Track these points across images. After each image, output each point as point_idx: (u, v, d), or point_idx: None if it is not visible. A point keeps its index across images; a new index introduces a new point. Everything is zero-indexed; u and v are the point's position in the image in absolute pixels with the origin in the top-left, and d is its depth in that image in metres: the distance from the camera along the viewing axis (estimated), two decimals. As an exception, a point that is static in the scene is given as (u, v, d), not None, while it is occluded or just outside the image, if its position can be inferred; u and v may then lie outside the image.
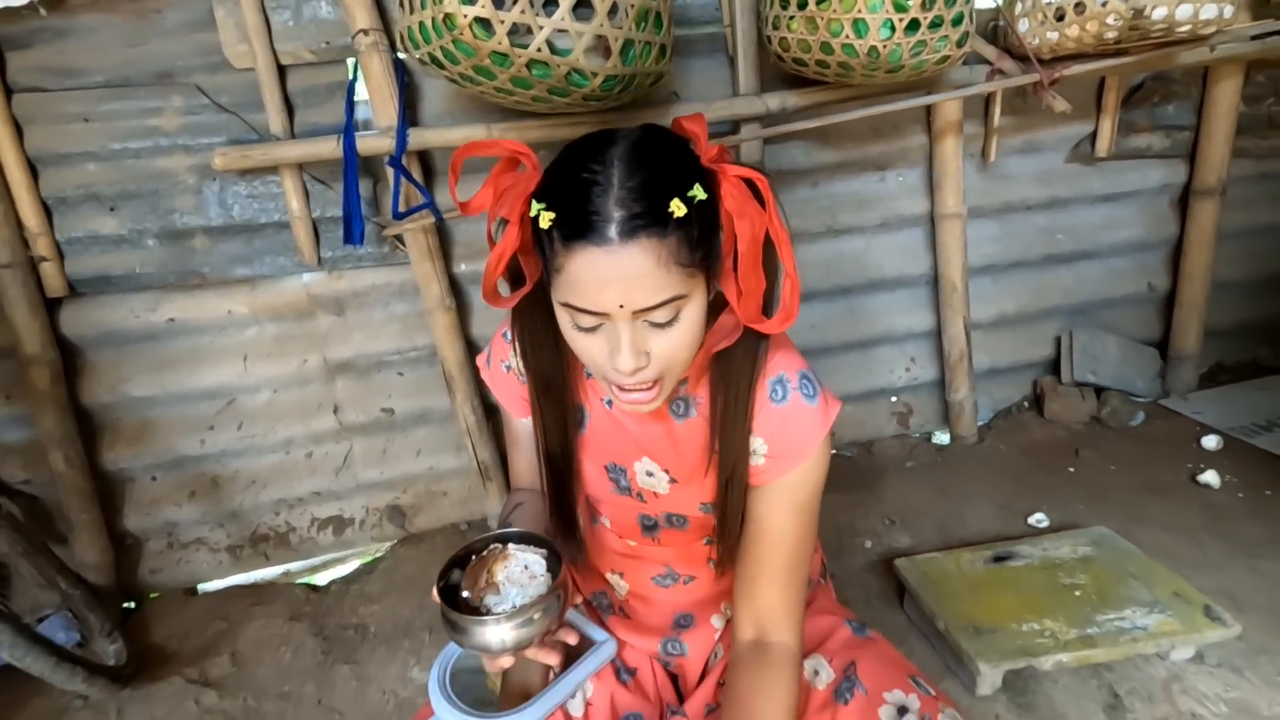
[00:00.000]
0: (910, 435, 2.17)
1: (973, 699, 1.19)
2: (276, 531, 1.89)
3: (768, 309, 0.73)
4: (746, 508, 0.84)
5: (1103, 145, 1.98)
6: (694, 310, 0.70)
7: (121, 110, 1.56)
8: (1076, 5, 1.52)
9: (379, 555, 1.90)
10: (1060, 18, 1.55)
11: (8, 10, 1.40)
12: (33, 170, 1.55)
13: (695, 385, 0.85)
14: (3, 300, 1.55)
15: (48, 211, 1.58)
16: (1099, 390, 2.13)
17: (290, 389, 1.80)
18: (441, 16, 1.18)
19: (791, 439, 0.80)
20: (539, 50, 1.20)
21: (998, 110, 1.86)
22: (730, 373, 0.79)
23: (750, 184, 0.69)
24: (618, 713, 0.93)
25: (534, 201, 0.68)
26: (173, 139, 1.58)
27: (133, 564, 1.80)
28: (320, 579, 1.87)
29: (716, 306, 0.75)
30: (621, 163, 0.66)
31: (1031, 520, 1.65)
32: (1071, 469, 1.88)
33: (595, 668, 0.92)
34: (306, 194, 1.63)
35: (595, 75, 1.25)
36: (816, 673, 0.87)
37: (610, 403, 0.89)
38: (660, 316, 0.68)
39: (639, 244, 0.64)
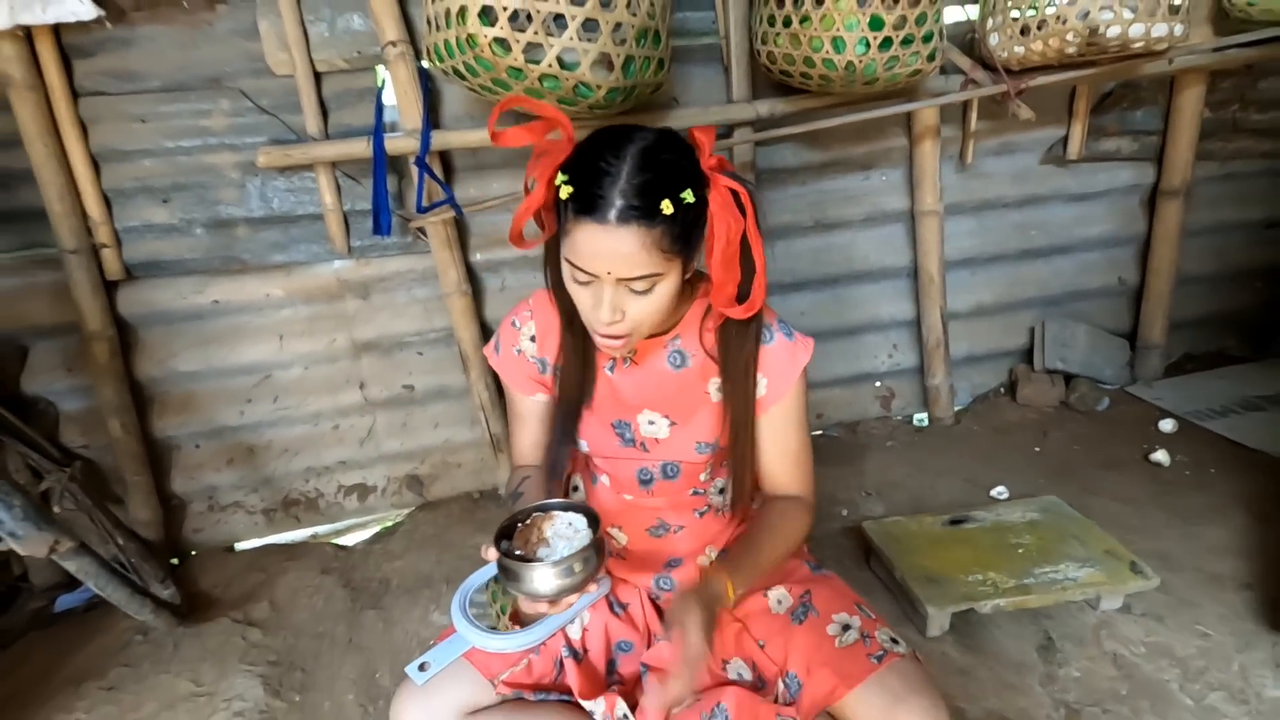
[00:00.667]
0: (892, 417, 2.33)
1: (925, 640, 1.35)
2: (306, 497, 2.07)
3: (742, 297, 0.89)
4: (762, 433, 1.03)
5: (1074, 148, 2.12)
6: (667, 285, 0.87)
7: (175, 112, 1.73)
8: (1040, 23, 1.66)
9: (399, 520, 2.08)
10: (1025, 33, 1.70)
11: (77, 23, 1.57)
12: (95, 165, 1.73)
13: (689, 338, 1.01)
14: (69, 282, 1.73)
15: (108, 203, 1.75)
16: (1069, 377, 2.28)
17: (320, 366, 1.98)
18: (465, 36, 1.34)
19: (783, 369, 1.00)
20: (550, 66, 1.36)
21: (974, 115, 2.01)
22: (734, 338, 0.97)
23: (735, 195, 0.85)
24: (610, 639, 1.10)
25: (560, 173, 0.84)
26: (220, 138, 1.75)
27: (178, 523, 1.99)
28: (345, 541, 2.05)
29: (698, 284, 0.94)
30: (632, 160, 0.81)
31: (994, 492, 1.81)
32: (1038, 448, 2.04)
33: (591, 601, 1.08)
34: (338, 189, 1.80)
35: (600, 87, 1.42)
36: (779, 601, 1.04)
37: (613, 367, 1.06)
38: (638, 285, 0.85)
39: (630, 229, 0.80)
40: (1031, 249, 2.25)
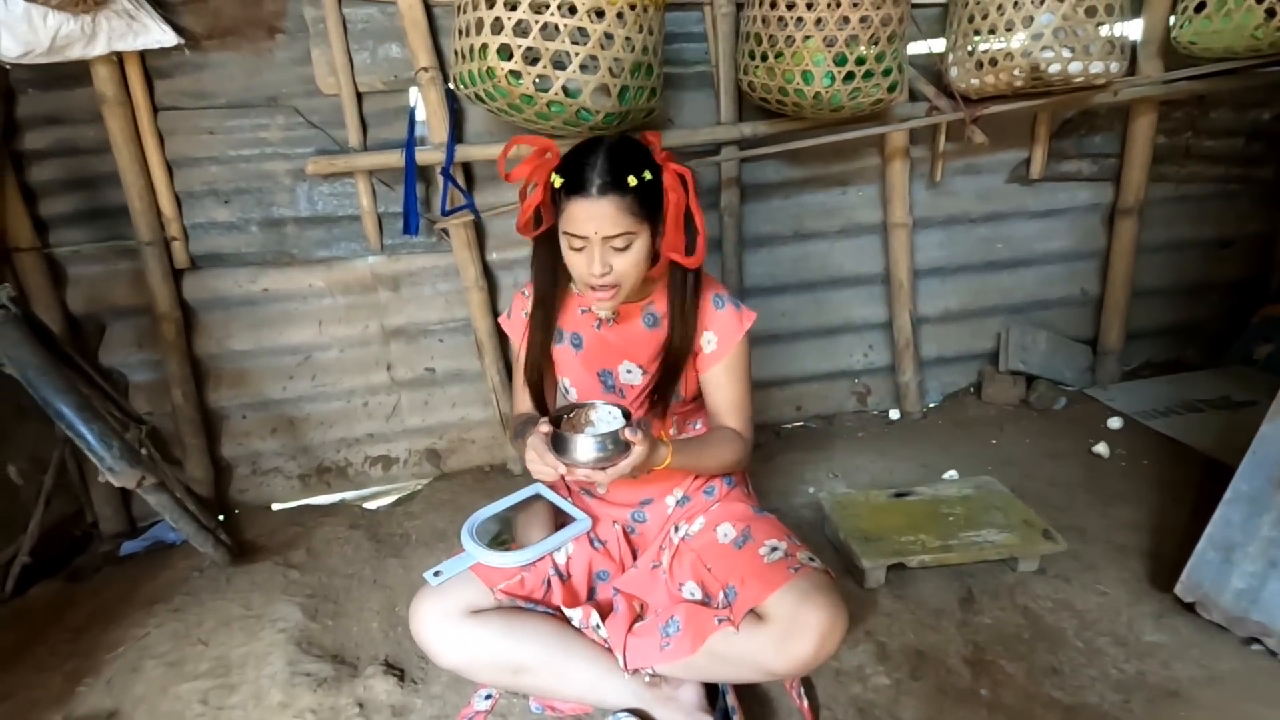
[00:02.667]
0: (868, 412, 2.55)
1: (863, 590, 1.57)
2: (337, 465, 2.34)
3: (689, 250, 1.19)
4: (710, 384, 1.31)
5: (1036, 169, 2.33)
6: (641, 245, 1.17)
7: (238, 126, 2.01)
8: (991, 59, 1.89)
9: (417, 489, 2.34)
10: (981, 66, 1.92)
11: (159, 49, 1.85)
12: (169, 170, 2.01)
13: (660, 304, 1.30)
14: (144, 270, 2.02)
15: (179, 202, 2.04)
16: (1031, 378, 2.48)
17: (354, 349, 2.25)
18: (485, 68, 1.60)
19: (729, 330, 1.29)
20: (556, 94, 1.62)
21: (942, 138, 2.23)
22: (679, 288, 1.25)
23: (681, 177, 1.16)
24: (592, 568, 1.34)
25: (554, 175, 1.15)
26: (275, 148, 2.03)
27: (225, 484, 2.27)
28: (370, 505, 2.31)
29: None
30: (603, 154, 1.14)
31: (945, 476, 2.03)
32: (994, 440, 2.25)
33: (573, 535, 1.34)
34: (374, 194, 2.07)
35: (599, 112, 1.67)
36: (725, 534, 1.29)
37: (600, 325, 1.33)
38: (619, 243, 1.14)
39: (608, 199, 1.11)
40: (997, 260, 2.46)
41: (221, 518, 2.21)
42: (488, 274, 2.20)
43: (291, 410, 2.27)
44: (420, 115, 2.00)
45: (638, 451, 1.09)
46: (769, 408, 2.47)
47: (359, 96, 2.00)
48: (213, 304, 2.15)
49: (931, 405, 2.54)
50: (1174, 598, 1.43)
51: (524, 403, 1.42)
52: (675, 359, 1.28)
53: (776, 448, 2.33)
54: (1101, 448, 2.08)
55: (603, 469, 1.10)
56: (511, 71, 1.59)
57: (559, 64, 1.60)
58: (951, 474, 2.02)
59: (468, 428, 2.36)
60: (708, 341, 1.29)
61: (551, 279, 1.30)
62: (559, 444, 1.11)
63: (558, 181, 1.13)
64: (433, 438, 2.36)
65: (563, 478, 1.19)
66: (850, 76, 1.77)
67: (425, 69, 1.93)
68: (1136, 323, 2.53)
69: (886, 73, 1.80)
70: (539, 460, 1.13)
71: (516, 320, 1.40)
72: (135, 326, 2.12)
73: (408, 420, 2.33)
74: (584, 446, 1.09)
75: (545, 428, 1.12)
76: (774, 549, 1.21)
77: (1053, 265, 2.50)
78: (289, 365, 2.23)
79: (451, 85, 1.93)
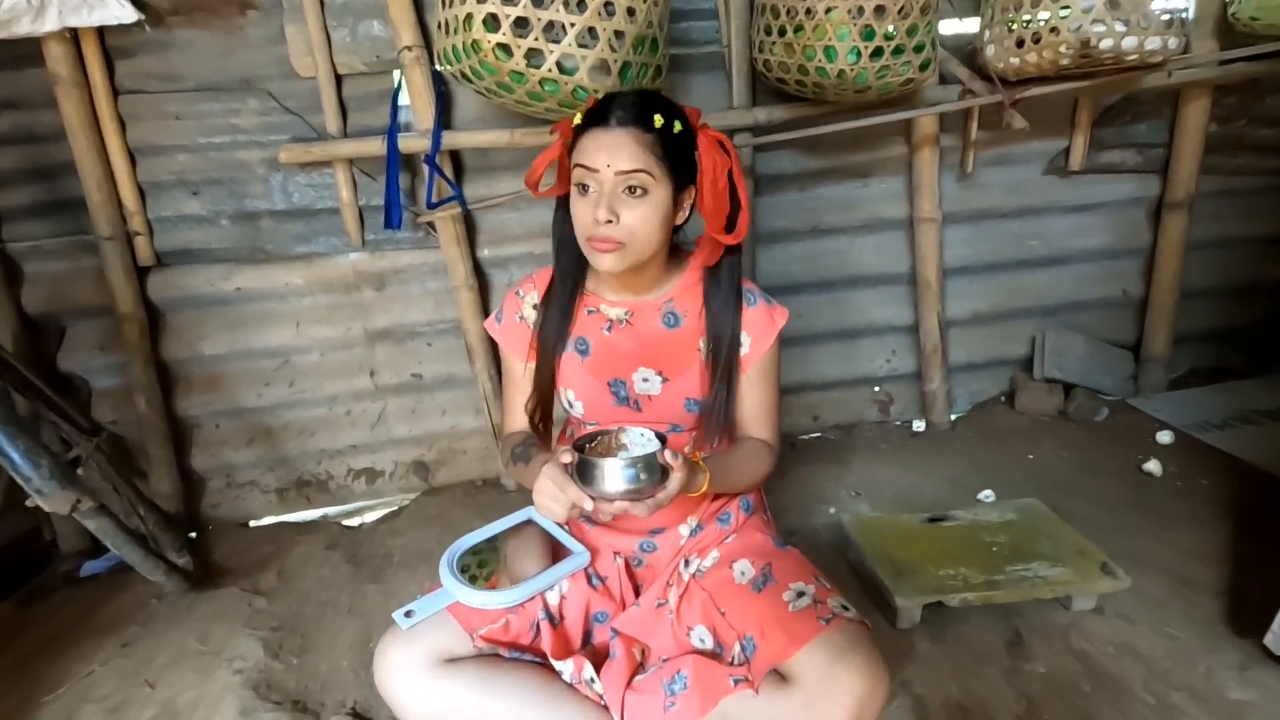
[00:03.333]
0: (890, 422, 2.36)
1: (896, 631, 1.39)
2: (318, 478, 2.17)
3: (730, 227, 1.06)
4: (740, 387, 1.14)
5: (1075, 160, 2.14)
6: (658, 196, 1.02)
7: (208, 110, 1.85)
8: (1035, 35, 1.70)
9: (404, 504, 2.17)
10: (1021, 44, 1.73)
11: (118, 26, 1.69)
12: (132, 159, 1.85)
13: (681, 301, 1.14)
14: (104, 267, 1.86)
15: (143, 194, 1.88)
16: (1068, 387, 2.29)
17: (336, 352, 2.08)
18: (470, 41, 1.43)
19: (762, 329, 1.14)
20: (549, 71, 1.44)
21: (974, 125, 2.04)
22: (720, 281, 1.12)
23: (721, 143, 1.04)
24: (589, 610, 1.17)
25: (576, 116, 1.05)
26: (248, 135, 1.87)
27: (197, 498, 2.10)
28: (352, 522, 2.15)
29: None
30: (633, 93, 1.05)
31: (980, 496, 1.84)
32: (1030, 456, 2.06)
33: (570, 571, 1.16)
34: (355, 185, 1.90)
35: (597, 92, 1.49)
36: (742, 573, 1.11)
37: (610, 327, 1.15)
38: (632, 182, 0.99)
39: (627, 130, 1.00)
40: (1030, 259, 2.27)
41: (194, 535, 2.06)
42: (479, 272, 2.03)
43: (268, 419, 2.11)
44: (404, 99, 1.83)
45: (677, 479, 0.93)
46: (784, 417, 2.23)
47: (338, 79, 1.84)
48: (181, 304, 1.99)
49: (959, 415, 2.35)
50: (1261, 648, 1.24)
51: (518, 418, 1.24)
52: (731, 366, 1.12)
53: (792, 460, 2.15)
54: (1153, 465, 1.89)
55: (639, 499, 0.93)
56: (499, 45, 1.42)
57: (553, 36, 1.43)
58: (987, 494, 1.84)
59: (458, 438, 2.19)
60: (742, 343, 1.14)
61: (574, 254, 1.12)
62: (585, 472, 0.94)
63: (578, 119, 1.04)
64: (421, 448, 2.19)
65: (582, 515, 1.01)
66: (878, 53, 1.59)
67: (409, 48, 1.76)
68: (1180, 327, 2.33)
69: (918, 49, 1.62)
70: (558, 493, 0.94)
71: (509, 326, 1.22)
72: (98, 328, 1.96)
73: (394, 430, 2.16)
74: (616, 474, 0.92)
75: (568, 456, 0.96)
76: (800, 594, 1.03)
77: (1091, 264, 2.31)
78: (265, 370, 2.07)
79: (436, 64, 1.76)
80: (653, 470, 0.93)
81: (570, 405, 1.21)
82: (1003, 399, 2.38)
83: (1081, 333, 2.33)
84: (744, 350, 1.14)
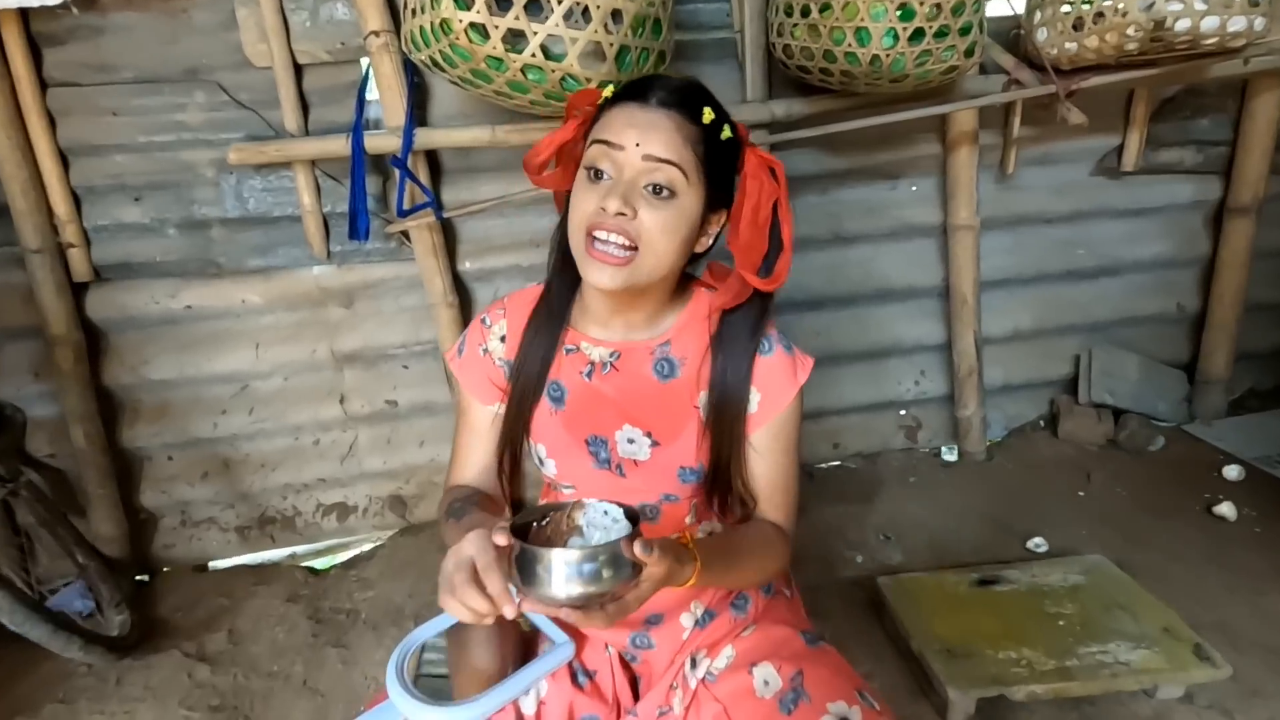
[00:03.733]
0: (918, 449, 2.13)
1: (944, 723, 1.17)
2: (283, 515, 1.95)
3: (767, 272, 0.84)
4: (750, 454, 0.92)
5: (1129, 159, 1.91)
6: (686, 204, 0.80)
7: (150, 105, 1.63)
8: (1096, 15, 1.47)
9: (379, 543, 1.95)
10: (1079, 27, 1.50)
11: (43, 9, 1.47)
12: (64, 160, 1.63)
13: (680, 344, 0.90)
14: (32, 283, 1.64)
15: (77, 200, 1.66)
16: (1118, 412, 2.06)
17: (301, 376, 1.86)
18: (439, 21, 1.21)
19: (779, 384, 0.90)
20: (533, 56, 1.22)
21: (1017, 121, 1.81)
22: (736, 336, 0.89)
23: (772, 169, 0.84)
24: (574, 715, 0.94)
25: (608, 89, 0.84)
26: (195, 133, 1.65)
27: (147, 538, 1.88)
28: (322, 563, 1.93)
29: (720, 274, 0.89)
30: (680, 80, 0.83)
31: (1030, 544, 1.61)
32: (1081, 493, 1.83)
33: (550, 668, 0.93)
34: (319, 189, 1.68)
35: (590, 81, 1.27)
36: (766, 683, 0.87)
37: (591, 372, 0.91)
38: (660, 175, 0.78)
39: (668, 113, 0.79)
40: (1076, 269, 2.04)
41: (147, 577, 1.85)
42: (460, 287, 1.80)
43: (226, 450, 1.89)
44: (372, 92, 1.61)
45: (651, 577, 0.69)
46: (800, 444, 2.05)
47: (297, 68, 1.62)
48: (124, 324, 1.77)
49: (994, 440, 2.12)
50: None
51: (468, 469, 0.98)
52: (732, 432, 0.90)
53: (811, 494, 1.92)
54: (1226, 508, 1.66)
55: (596, 604, 0.68)
56: (473, 25, 1.19)
57: (537, 14, 1.20)
58: (1038, 542, 1.61)
59: (438, 470, 1.97)
60: (749, 398, 0.91)
61: (576, 274, 0.88)
62: (524, 565, 0.68)
63: (609, 91, 0.84)
64: (397, 482, 1.97)
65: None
66: (918, 35, 1.36)
67: (376, 33, 1.53)
68: (1239, 344, 2.10)
69: (964, 31, 1.39)
70: (466, 585, 0.67)
71: (471, 361, 0.98)
72: (30, 352, 1.74)
73: (366, 462, 1.93)
74: (565, 569, 0.66)
75: (502, 537, 0.69)
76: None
77: (1143, 274, 2.08)
78: (221, 397, 1.85)
79: (404, 49, 1.54)
80: (619, 565, 0.67)
81: (541, 463, 0.98)
82: (1042, 424, 2.16)
83: (1130, 350, 2.10)
84: (752, 408, 0.90)
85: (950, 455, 2.09)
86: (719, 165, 0.82)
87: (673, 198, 0.79)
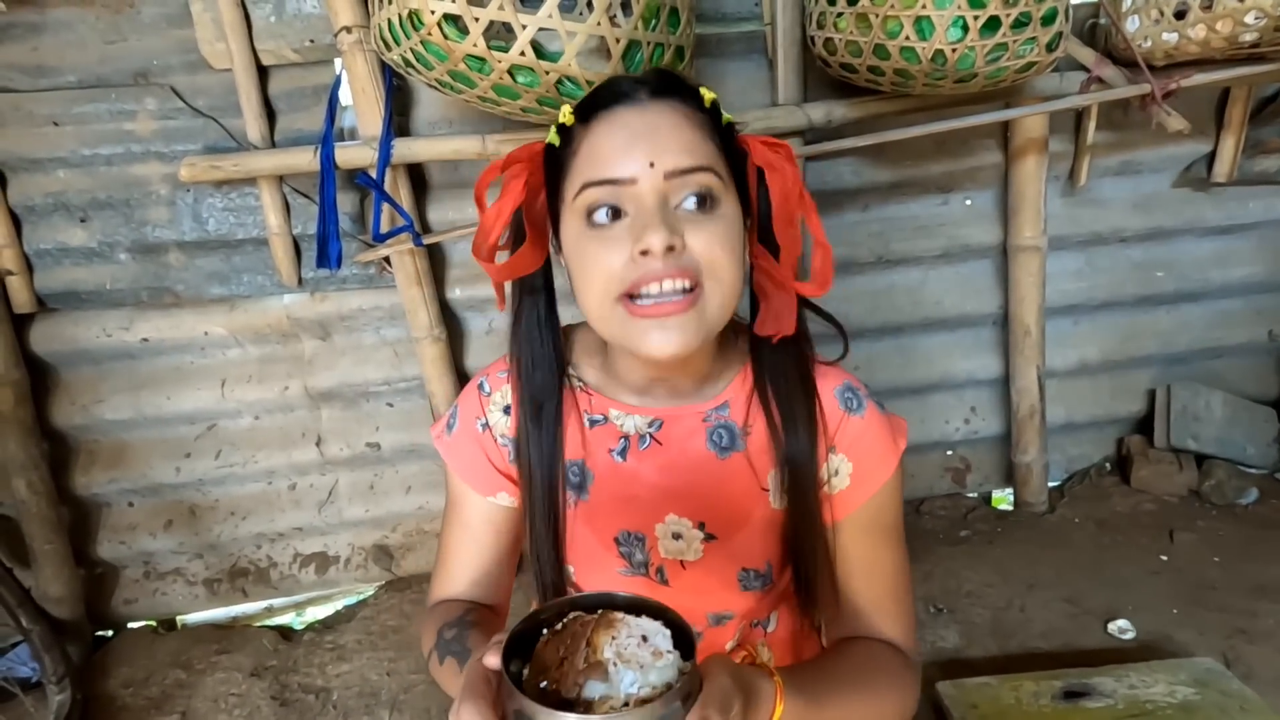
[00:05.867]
0: (965, 494, 1.89)
1: None
2: (257, 566, 1.76)
3: (805, 273, 0.65)
4: (838, 547, 0.70)
5: (1222, 168, 1.65)
6: (730, 209, 0.61)
7: (94, 113, 1.43)
8: (1204, 2, 1.22)
9: (363, 596, 1.75)
10: (1181, 15, 1.25)
11: (-30, 4, 1.28)
12: (0, 177, 1.44)
13: (740, 406, 0.70)
14: (-33, 315, 1.45)
15: (15, 221, 1.47)
16: (1200, 458, 1.80)
17: (272, 415, 1.67)
18: (406, 13, 0.99)
19: (876, 453, 0.69)
20: (523, 54, 0.99)
21: (1092, 125, 1.56)
22: (783, 366, 0.68)
23: (777, 150, 0.64)
24: None
25: (564, 112, 0.63)
26: (146, 145, 1.45)
27: (107, 592, 1.70)
28: (302, 616, 1.74)
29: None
30: (655, 70, 0.65)
31: (1113, 628, 1.36)
32: (1164, 557, 1.58)
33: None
34: (287, 208, 1.47)
35: (592, 84, 1.04)
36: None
37: (625, 449, 0.71)
38: (699, 184, 0.59)
39: (670, 104, 0.61)
40: (1155, 294, 1.78)
41: (110, 633, 1.67)
42: (448, 317, 1.59)
43: (192, 496, 1.70)
44: (346, 97, 1.40)
45: None
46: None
47: (260, 70, 1.41)
48: (74, 359, 1.58)
49: (1055, 486, 1.87)
50: None
51: (458, 578, 0.77)
52: (807, 508, 0.68)
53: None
54: (1346, 584, 1.40)
55: None
56: (447, 16, 0.97)
57: (526, 2, 0.98)
58: (1123, 625, 1.36)
59: (428, 518, 1.76)
60: (834, 470, 0.69)
61: (550, 365, 0.70)
62: None
63: (566, 113, 0.63)
64: (382, 531, 1.77)
65: None
66: (993, 25, 1.12)
67: (348, 29, 1.32)
68: (1339, 377, 1.84)
69: (1049, 18, 1.14)
70: None
71: (465, 438, 0.75)
72: (-31, 390, 1.55)
73: (347, 510, 1.73)
74: None
75: (493, 657, 0.48)
76: None
77: (1231, 300, 1.81)
78: (185, 438, 1.66)
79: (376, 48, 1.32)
80: (674, 713, 0.44)
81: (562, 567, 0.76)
82: (1108, 467, 1.90)
83: (1213, 385, 1.83)
84: (842, 483, 0.69)
85: (1004, 500, 1.84)
86: (734, 153, 0.64)
87: (717, 206, 0.60)
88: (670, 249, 0.56)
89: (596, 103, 0.62)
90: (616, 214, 0.59)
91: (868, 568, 0.70)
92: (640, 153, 0.58)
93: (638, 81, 0.62)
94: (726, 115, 0.64)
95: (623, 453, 0.71)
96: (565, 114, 0.63)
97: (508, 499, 0.74)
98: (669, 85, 0.62)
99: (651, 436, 0.71)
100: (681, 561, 0.71)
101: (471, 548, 0.77)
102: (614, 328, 0.61)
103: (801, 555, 0.69)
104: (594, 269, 0.59)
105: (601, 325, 0.62)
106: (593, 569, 0.73)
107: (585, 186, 0.59)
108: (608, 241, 0.59)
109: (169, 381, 1.61)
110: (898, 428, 0.71)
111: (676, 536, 0.71)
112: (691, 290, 0.58)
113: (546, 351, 0.69)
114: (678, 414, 0.70)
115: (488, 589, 0.77)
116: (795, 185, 0.63)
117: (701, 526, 0.70)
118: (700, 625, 0.73)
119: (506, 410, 0.73)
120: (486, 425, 0.73)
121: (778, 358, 0.68)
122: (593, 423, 0.72)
